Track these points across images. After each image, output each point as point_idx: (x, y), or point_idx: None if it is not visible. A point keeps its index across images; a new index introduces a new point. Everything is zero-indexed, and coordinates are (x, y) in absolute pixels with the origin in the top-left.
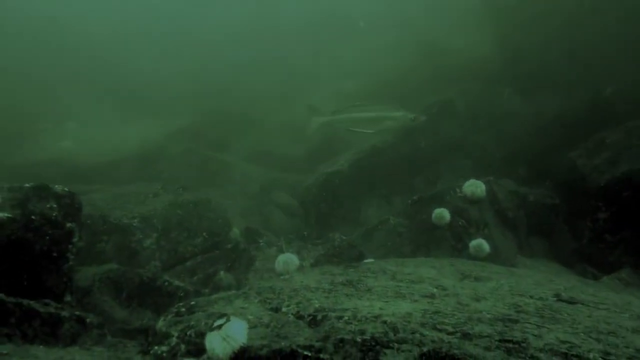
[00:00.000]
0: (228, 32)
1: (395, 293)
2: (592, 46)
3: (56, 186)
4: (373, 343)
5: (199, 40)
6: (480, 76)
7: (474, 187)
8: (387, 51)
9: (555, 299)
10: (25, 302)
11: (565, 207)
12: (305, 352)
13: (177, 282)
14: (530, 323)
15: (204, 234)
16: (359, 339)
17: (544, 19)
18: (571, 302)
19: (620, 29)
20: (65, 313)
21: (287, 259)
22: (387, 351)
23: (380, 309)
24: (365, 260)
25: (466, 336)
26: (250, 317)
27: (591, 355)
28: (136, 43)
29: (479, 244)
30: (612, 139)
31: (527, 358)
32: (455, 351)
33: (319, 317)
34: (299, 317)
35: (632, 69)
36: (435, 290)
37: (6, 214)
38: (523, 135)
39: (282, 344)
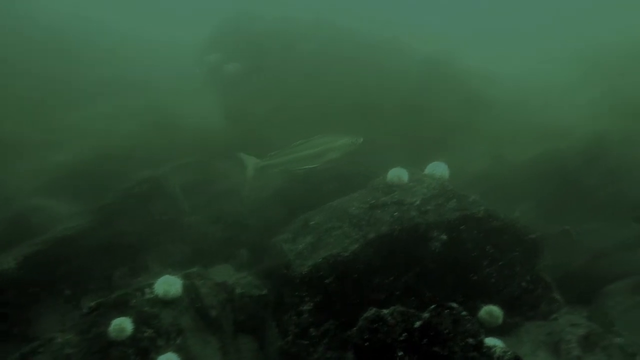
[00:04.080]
0: None
1: None
2: (316, 116)
3: None
4: None
5: None
6: (207, 148)
7: (168, 285)
8: (116, 118)
9: None
10: None
11: (273, 299)
12: None
13: None
14: None
15: None
16: None
17: (269, 89)
18: None
19: (341, 98)
20: None
21: None
22: None
23: None
24: None
25: None
26: None
27: None
28: None
29: None
30: (315, 221)
31: None
32: None
33: None
34: None
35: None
36: None
37: None
38: (246, 213)
39: None
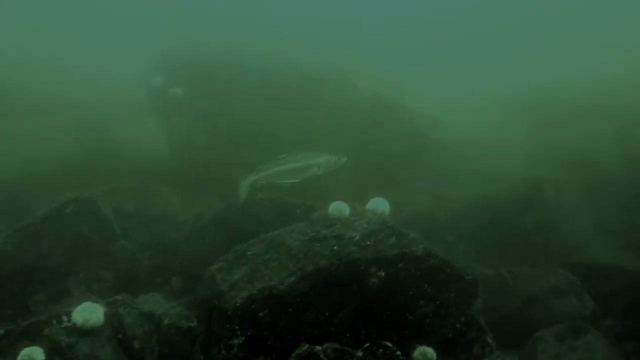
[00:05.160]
0: None
1: None
2: (260, 146)
3: None
4: None
5: None
6: (145, 171)
7: (88, 312)
8: (49, 138)
9: None
10: None
11: (203, 331)
12: None
13: None
14: None
15: None
16: None
17: (213, 117)
18: None
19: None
20: None
21: None
22: None
23: None
24: None
25: None
26: None
27: None
28: None
29: None
30: (253, 251)
31: None
32: None
33: None
34: None
35: None
36: None
37: None
38: (181, 240)
39: None
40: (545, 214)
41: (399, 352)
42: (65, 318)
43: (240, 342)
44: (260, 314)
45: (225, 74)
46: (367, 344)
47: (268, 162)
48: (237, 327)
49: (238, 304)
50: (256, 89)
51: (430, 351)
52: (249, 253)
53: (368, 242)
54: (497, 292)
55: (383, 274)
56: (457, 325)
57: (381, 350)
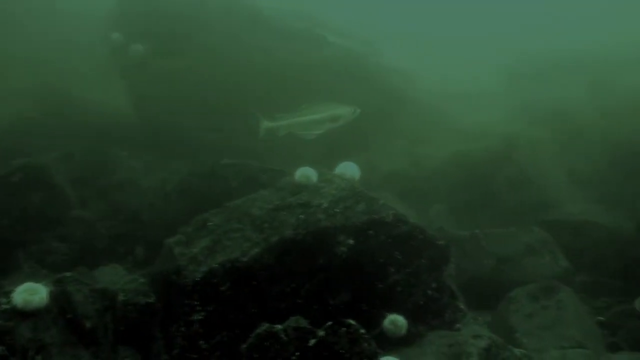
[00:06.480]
0: None
1: None
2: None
3: None
4: None
5: None
6: (104, 134)
7: (30, 293)
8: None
9: None
10: None
11: (161, 307)
12: None
13: None
14: None
15: None
16: None
17: (178, 76)
18: None
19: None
20: None
21: None
22: None
23: None
24: None
25: None
26: None
27: None
28: None
29: None
30: (214, 222)
31: None
32: None
33: None
34: None
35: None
36: None
37: None
38: (144, 207)
39: None
40: (518, 172)
41: (362, 330)
42: (4, 300)
43: (201, 317)
44: (222, 289)
45: (187, 29)
46: (330, 323)
47: (288, 112)
48: (197, 303)
49: (198, 279)
50: (219, 45)
51: (400, 319)
52: (209, 224)
53: (336, 210)
54: (471, 254)
55: (352, 242)
56: (429, 292)
57: (344, 328)
